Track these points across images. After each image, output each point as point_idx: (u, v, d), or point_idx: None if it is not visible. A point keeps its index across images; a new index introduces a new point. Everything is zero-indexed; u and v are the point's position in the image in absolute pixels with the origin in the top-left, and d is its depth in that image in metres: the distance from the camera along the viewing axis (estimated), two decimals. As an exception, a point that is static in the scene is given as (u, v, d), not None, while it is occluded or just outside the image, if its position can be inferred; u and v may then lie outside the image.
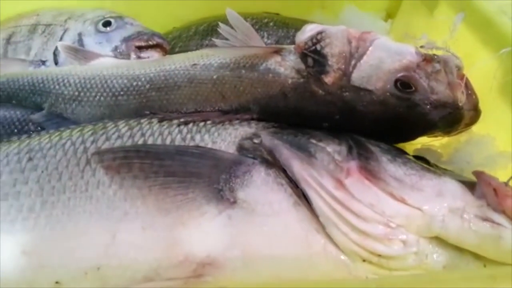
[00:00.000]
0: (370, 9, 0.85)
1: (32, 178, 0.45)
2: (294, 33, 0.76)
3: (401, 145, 0.55)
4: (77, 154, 0.46)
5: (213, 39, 0.66)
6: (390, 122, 0.52)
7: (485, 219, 0.42)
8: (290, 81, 0.53)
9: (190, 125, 0.49)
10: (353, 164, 0.43)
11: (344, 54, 0.52)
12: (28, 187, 0.44)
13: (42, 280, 0.41)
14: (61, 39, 0.72)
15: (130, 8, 0.82)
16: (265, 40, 0.74)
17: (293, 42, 0.75)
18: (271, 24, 0.76)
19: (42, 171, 0.45)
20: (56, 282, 0.40)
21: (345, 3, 0.84)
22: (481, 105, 0.52)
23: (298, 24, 0.78)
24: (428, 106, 0.50)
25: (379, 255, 0.40)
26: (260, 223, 0.42)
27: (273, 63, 0.55)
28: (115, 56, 0.68)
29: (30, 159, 0.47)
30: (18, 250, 0.41)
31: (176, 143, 0.47)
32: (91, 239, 0.41)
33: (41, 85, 0.62)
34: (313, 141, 0.46)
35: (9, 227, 0.42)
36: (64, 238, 0.42)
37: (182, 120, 0.50)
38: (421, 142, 0.56)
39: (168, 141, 0.47)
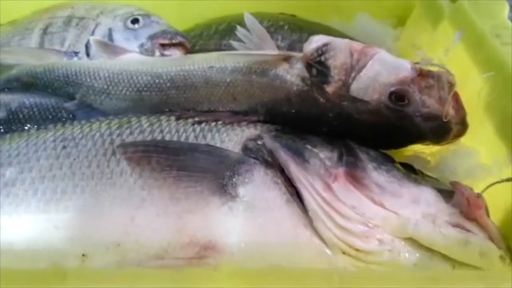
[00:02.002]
0: (382, 16, 0.89)
1: (65, 164, 0.52)
2: (307, 37, 0.81)
3: (393, 151, 0.60)
4: (104, 145, 0.54)
5: (230, 40, 0.72)
6: (383, 130, 0.57)
7: (456, 225, 0.48)
8: (295, 87, 0.59)
9: (203, 124, 0.56)
10: (341, 171, 0.49)
11: (345, 66, 0.56)
12: (62, 172, 0.52)
13: (70, 252, 0.48)
14: (93, 32, 0.78)
15: (156, 3, 0.88)
16: (279, 43, 0.79)
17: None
18: (286, 27, 0.81)
19: (74, 159, 0.53)
20: (83, 255, 0.47)
21: (358, 8, 0.88)
22: (469, 120, 0.57)
23: (312, 28, 0.83)
24: (419, 118, 0.55)
25: (357, 250, 0.47)
26: (256, 216, 0.48)
27: (281, 70, 0.60)
28: (141, 53, 0.74)
29: (64, 147, 0.54)
30: (51, 225, 0.49)
31: (190, 140, 0.54)
32: (113, 220, 0.49)
33: (74, 77, 0.69)
34: (309, 146, 0.52)
35: (45, 205, 0.50)
36: (91, 217, 0.49)
37: (196, 119, 0.57)
38: (413, 150, 0.62)
39: (183, 138, 0.54)
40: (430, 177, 0.56)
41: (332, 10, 0.90)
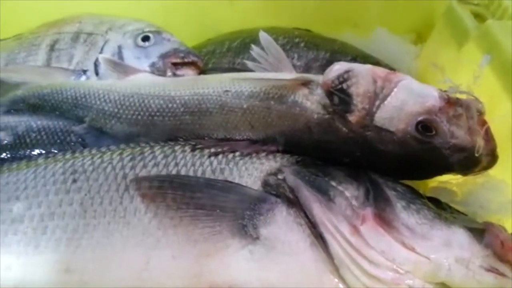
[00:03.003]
0: (401, 31, 0.86)
1: (76, 200, 0.50)
2: (324, 55, 0.79)
3: (417, 182, 0.58)
4: (117, 180, 0.51)
5: (244, 60, 0.69)
6: (409, 162, 0.54)
7: (490, 270, 0.45)
8: (315, 116, 0.56)
9: (220, 156, 0.53)
10: (369, 211, 0.46)
11: (369, 94, 0.54)
12: (73, 208, 0.49)
13: (82, 298, 0.46)
14: (101, 49, 0.76)
15: (166, 17, 0.85)
16: (295, 61, 0.76)
17: (322, 65, 0.78)
18: (301, 45, 0.78)
19: (85, 194, 0.50)
20: (96, 301, 0.45)
21: (377, 23, 0.85)
22: (499, 151, 0.54)
23: (328, 46, 0.80)
24: (447, 150, 0.52)
25: (387, 298, 0.44)
26: (278, 260, 0.46)
27: (301, 96, 0.57)
28: (152, 72, 0.72)
29: (74, 180, 0.52)
30: (62, 267, 0.47)
31: (207, 174, 0.51)
32: (128, 263, 0.46)
33: (83, 99, 0.66)
34: (333, 183, 0.49)
35: (55, 245, 0.48)
36: (104, 259, 0.47)
37: (212, 150, 0.54)
38: (437, 179, 0.59)
39: (199, 173, 0.51)
40: (458, 212, 0.53)
41: (349, 24, 0.88)
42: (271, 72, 0.65)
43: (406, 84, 0.54)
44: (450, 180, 0.59)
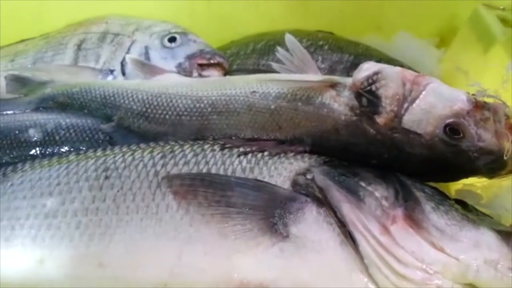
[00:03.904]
0: (423, 35, 0.86)
1: (109, 196, 0.51)
2: (348, 58, 0.79)
3: (442, 184, 0.58)
4: (148, 177, 0.52)
5: (269, 61, 0.70)
6: (436, 164, 0.55)
7: (518, 272, 0.46)
8: (343, 117, 0.56)
9: (249, 155, 0.54)
10: (399, 212, 0.47)
11: (397, 97, 0.54)
12: (106, 204, 0.50)
13: (115, 291, 0.47)
14: (128, 50, 0.77)
15: (190, 19, 0.86)
16: (319, 64, 0.77)
17: (346, 68, 0.78)
18: (325, 47, 0.79)
19: (118, 190, 0.51)
20: (129, 294, 0.46)
21: (400, 27, 0.85)
22: (526, 154, 0.54)
23: (352, 49, 0.81)
24: (474, 153, 0.53)
25: (416, 298, 0.45)
26: (308, 259, 0.46)
27: (328, 98, 0.58)
28: (179, 72, 0.73)
29: (107, 177, 0.53)
30: (95, 262, 0.47)
31: (237, 174, 0.52)
32: (160, 258, 0.47)
33: (112, 98, 0.67)
34: (363, 184, 0.49)
35: (88, 240, 0.48)
36: (136, 255, 0.47)
37: (241, 150, 0.55)
38: (463, 182, 0.59)
39: (229, 171, 0.52)
40: (484, 214, 0.54)
41: (371, 28, 0.88)
42: (296, 74, 0.65)
43: (434, 87, 0.55)
44: (474, 183, 0.59)
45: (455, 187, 0.60)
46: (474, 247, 0.46)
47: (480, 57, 0.70)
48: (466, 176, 0.57)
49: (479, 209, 0.55)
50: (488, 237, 0.47)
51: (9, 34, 0.87)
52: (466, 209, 0.52)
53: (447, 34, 0.88)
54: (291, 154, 0.55)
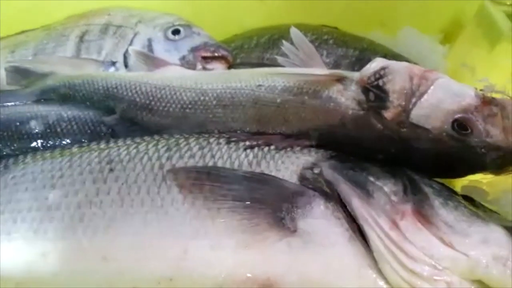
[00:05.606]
0: (428, 31, 0.86)
1: (113, 189, 0.50)
2: (353, 53, 0.79)
3: (448, 180, 0.58)
4: (153, 170, 0.51)
5: (274, 55, 0.69)
6: (443, 160, 0.54)
7: (527, 268, 0.45)
8: (350, 111, 0.56)
9: (256, 149, 0.53)
10: (408, 207, 0.46)
11: (405, 91, 0.54)
12: (110, 197, 0.49)
13: (120, 285, 0.46)
14: (131, 42, 0.76)
15: (193, 11, 0.85)
16: (324, 58, 0.76)
17: (351, 63, 0.78)
18: (330, 41, 0.78)
19: (123, 183, 0.50)
20: (133, 288, 0.45)
21: (404, 22, 0.85)
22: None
23: (357, 44, 0.80)
24: (481, 149, 0.52)
25: (425, 293, 0.44)
26: (316, 253, 0.46)
27: (335, 92, 0.57)
28: (182, 65, 0.72)
29: (111, 170, 0.52)
30: (99, 255, 0.47)
31: (243, 167, 0.51)
32: (166, 252, 0.46)
33: (115, 90, 0.66)
34: (371, 179, 0.49)
35: (92, 233, 0.48)
36: (142, 248, 0.47)
37: (247, 143, 0.54)
38: (469, 178, 0.59)
39: (236, 165, 0.51)
40: (492, 211, 0.53)
41: (376, 23, 0.87)
42: (302, 67, 0.65)
43: (443, 82, 0.54)
44: (481, 179, 0.59)
45: (460, 184, 0.60)
46: (483, 243, 0.46)
47: (486, 53, 0.70)
48: (473, 172, 0.56)
49: (486, 206, 0.55)
50: (497, 234, 0.47)
51: (10, 25, 0.86)
52: (474, 205, 0.52)
53: (451, 30, 0.88)
54: (298, 148, 0.55)
